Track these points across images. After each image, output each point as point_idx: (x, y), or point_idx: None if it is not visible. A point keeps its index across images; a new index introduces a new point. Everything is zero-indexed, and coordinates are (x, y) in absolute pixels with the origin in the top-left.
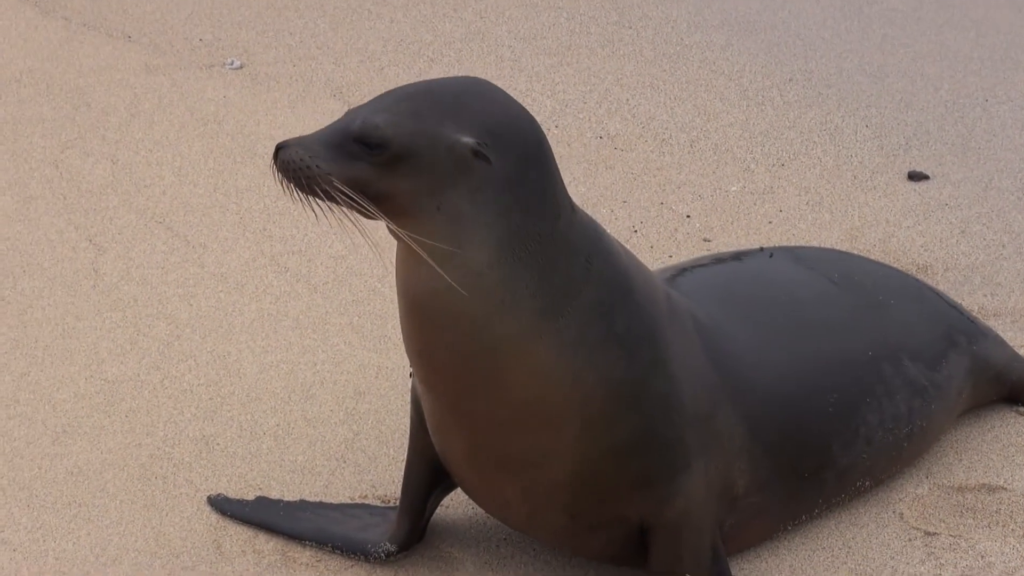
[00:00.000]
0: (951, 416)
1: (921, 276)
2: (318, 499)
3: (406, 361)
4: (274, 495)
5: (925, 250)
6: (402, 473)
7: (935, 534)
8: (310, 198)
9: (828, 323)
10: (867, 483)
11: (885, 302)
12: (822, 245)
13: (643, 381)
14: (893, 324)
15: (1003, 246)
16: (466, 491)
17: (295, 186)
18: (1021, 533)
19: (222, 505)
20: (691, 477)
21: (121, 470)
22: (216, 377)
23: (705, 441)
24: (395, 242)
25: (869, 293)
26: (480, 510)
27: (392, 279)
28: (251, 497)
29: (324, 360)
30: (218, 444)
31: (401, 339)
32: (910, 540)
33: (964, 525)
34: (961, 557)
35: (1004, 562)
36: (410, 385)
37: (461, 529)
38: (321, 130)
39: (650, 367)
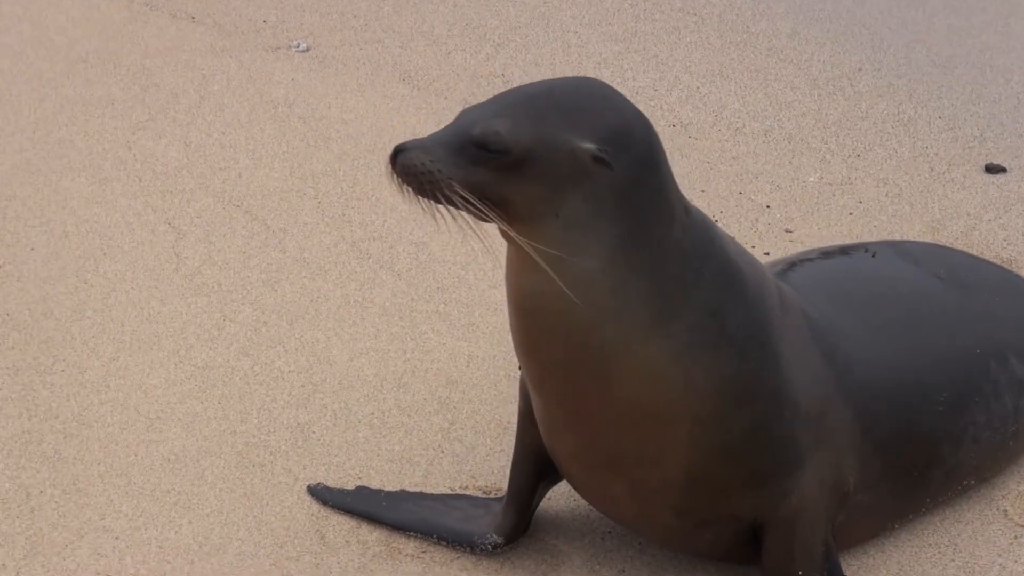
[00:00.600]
0: None
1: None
2: (418, 490)
3: (496, 350)
4: (373, 485)
5: (1008, 244)
6: (501, 464)
7: None
8: (429, 202)
9: (936, 320)
10: (972, 481)
11: (990, 299)
12: (904, 238)
13: (755, 378)
14: (999, 321)
15: None
16: (573, 486)
17: (415, 190)
18: None
19: (323, 494)
20: (804, 474)
21: (218, 457)
22: (307, 364)
23: (818, 438)
24: (506, 243)
25: (974, 289)
26: (585, 503)
27: (479, 268)
28: (351, 487)
29: (413, 348)
30: (313, 432)
31: (490, 329)
32: (1016, 538)
33: None
34: None
35: None
36: (519, 377)
37: (565, 521)
38: (439, 133)
39: (762, 364)
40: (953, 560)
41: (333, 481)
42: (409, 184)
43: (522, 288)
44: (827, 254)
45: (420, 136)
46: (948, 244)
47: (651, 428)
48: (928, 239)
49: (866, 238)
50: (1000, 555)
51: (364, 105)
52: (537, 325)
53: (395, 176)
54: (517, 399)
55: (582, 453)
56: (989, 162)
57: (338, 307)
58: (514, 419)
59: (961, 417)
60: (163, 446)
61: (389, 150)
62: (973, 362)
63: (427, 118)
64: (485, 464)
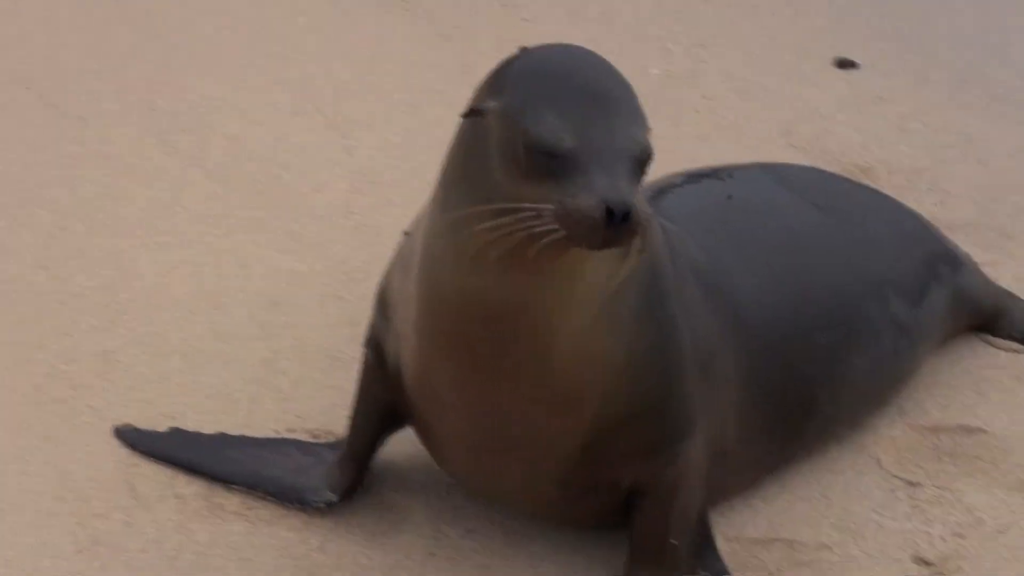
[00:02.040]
0: (931, 354)
1: (864, 180)
2: (240, 432)
3: (321, 266)
4: (189, 426)
5: (865, 150)
6: (331, 402)
7: (917, 484)
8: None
9: (817, 258)
10: (847, 430)
11: (871, 231)
12: (754, 140)
13: (659, 347)
14: (879, 256)
15: (947, 147)
16: (443, 465)
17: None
18: (1007, 483)
19: (132, 438)
20: (692, 441)
21: (11, 391)
22: (111, 279)
23: (703, 397)
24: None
25: (854, 221)
26: (424, 451)
27: (299, 167)
28: (163, 428)
29: (230, 262)
30: (120, 361)
31: (313, 240)
32: (892, 491)
33: (946, 473)
34: (948, 512)
35: (995, 518)
36: (369, 329)
37: (404, 471)
38: (609, 164)
39: (665, 332)
40: (826, 516)
41: (143, 421)
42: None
43: (492, 293)
44: (695, 178)
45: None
46: (802, 147)
47: (561, 411)
48: (780, 141)
49: (714, 137)
50: (876, 511)
51: None
52: (490, 328)
53: (616, 239)
54: (346, 325)
55: (475, 435)
56: (840, 56)
57: (144, 211)
58: (344, 348)
59: (839, 364)
60: None
61: (600, 214)
62: (853, 302)
63: None
64: (313, 402)
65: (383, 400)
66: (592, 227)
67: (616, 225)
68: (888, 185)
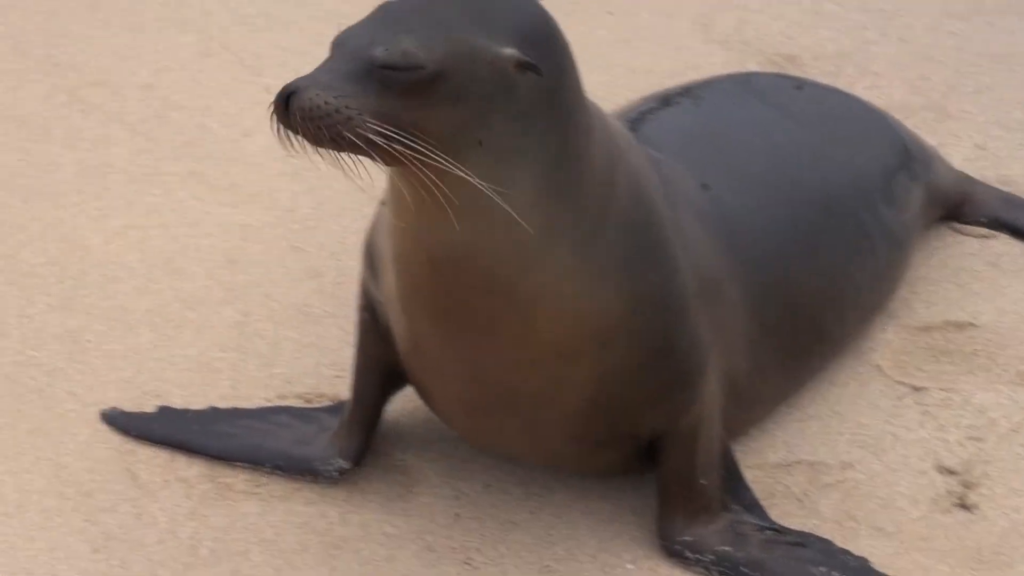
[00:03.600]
0: (916, 254)
1: (791, 69)
2: (230, 405)
3: (270, 216)
4: (175, 402)
5: (786, 38)
6: (314, 362)
7: (923, 389)
8: (329, 151)
9: (808, 175)
10: (851, 345)
11: (852, 139)
12: (670, 35)
13: (664, 288)
14: (864, 165)
15: (865, 28)
16: (447, 421)
17: (312, 139)
18: (1009, 379)
19: (122, 422)
20: (706, 381)
21: None
22: (58, 253)
23: (714, 337)
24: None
25: (835, 130)
26: (424, 409)
27: (223, 113)
28: (150, 408)
29: (176, 222)
30: (88, 341)
31: (255, 190)
32: (899, 399)
33: (946, 373)
34: (960, 415)
35: (1007, 416)
36: (360, 290)
37: (408, 430)
38: (328, 63)
39: (664, 273)
40: (841, 433)
41: (127, 402)
42: (306, 133)
43: (441, 241)
44: (670, 101)
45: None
46: (723, 41)
47: (560, 363)
48: (699, 37)
49: (634, 40)
50: (888, 422)
51: None
52: (458, 280)
53: (288, 126)
54: (310, 277)
55: (473, 397)
56: None
57: (74, 175)
58: (314, 302)
59: (844, 278)
60: None
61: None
62: (849, 215)
63: None
64: (296, 363)
65: (384, 360)
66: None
67: (281, 108)
68: (816, 72)
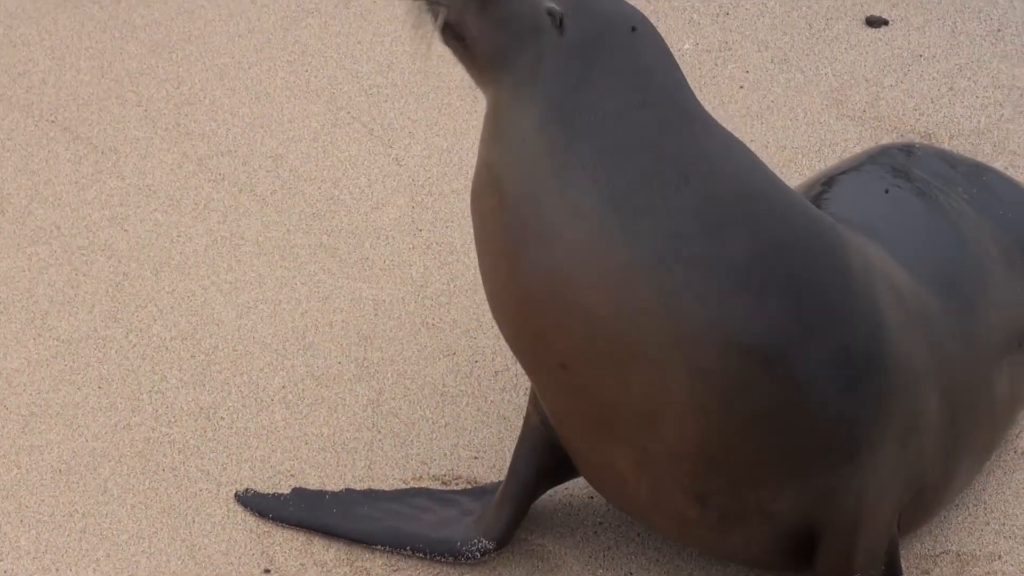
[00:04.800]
0: None
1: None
2: (366, 486)
3: (403, 292)
4: (309, 483)
5: (920, 114)
6: (451, 443)
7: None
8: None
9: (987, 265)
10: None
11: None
12: (804, 112)
13: (803, 343)
14: None
15: (1000, 105)
16: (579, 467)
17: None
18: None
19: (257, 503)
20: (870, 469)
21: (117, 462)
22: (190, 327)
23: (903, 423)
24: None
25: (1004, 216)
26: (567, 489)
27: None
28: (285, 489)
29: (308, 296)
30: (221, 418)
31: (387, 264)
32: None
33: None
34: None
35: None
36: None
37: (548, 515)
38: None
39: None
40: (988, 523)
41: (260, 482)
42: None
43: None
44: (841, 180)
45: None
46: (857, 117)
47: (637, 371)
48: (832, 112)
49: (766, 114)
50: None
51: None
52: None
53: None
54: (443, 355)
55: (576, 413)
56: (869, 14)
57: (205, 247)
58: (449, 381)
59: (1014, 368)
60: (47, 452)
61: None
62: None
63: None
64: (433, 444)
65: (548, 431)
66: None
67: None
68: (953, 149)
